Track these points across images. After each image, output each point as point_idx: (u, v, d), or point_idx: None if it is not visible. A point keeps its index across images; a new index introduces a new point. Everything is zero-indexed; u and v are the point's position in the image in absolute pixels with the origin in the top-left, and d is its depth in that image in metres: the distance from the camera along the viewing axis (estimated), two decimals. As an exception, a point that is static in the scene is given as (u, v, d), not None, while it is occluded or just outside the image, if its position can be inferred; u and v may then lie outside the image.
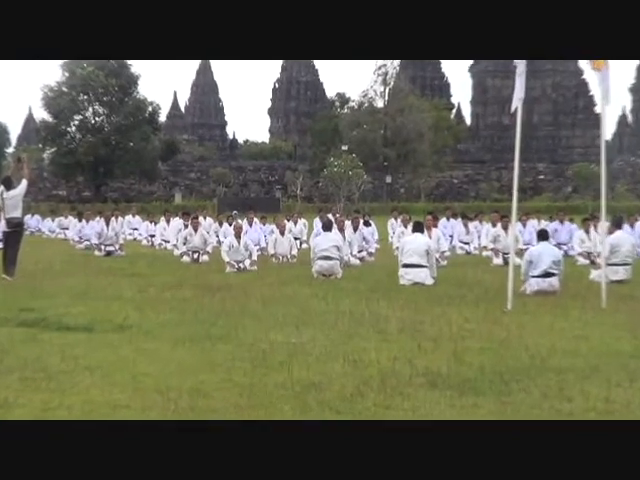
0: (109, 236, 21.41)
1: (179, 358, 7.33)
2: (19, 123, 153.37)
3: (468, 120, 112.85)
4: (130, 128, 74.23)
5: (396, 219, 26.06)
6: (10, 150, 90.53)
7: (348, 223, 20.02)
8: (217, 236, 24.28)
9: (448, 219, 24.34)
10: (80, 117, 76.51)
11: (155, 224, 27.29)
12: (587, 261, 17.91)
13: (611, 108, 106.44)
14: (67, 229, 31.78)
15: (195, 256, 18.89)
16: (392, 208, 33.33)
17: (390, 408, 5.63)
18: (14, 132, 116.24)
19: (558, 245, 19.80)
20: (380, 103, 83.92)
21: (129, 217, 31.27)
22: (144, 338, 8.44)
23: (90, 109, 76.67)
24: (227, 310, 10.49)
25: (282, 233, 18.97)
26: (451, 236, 22.81)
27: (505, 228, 17.60)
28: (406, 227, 21.15)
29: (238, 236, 17.01)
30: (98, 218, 26.86)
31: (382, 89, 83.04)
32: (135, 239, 28.54)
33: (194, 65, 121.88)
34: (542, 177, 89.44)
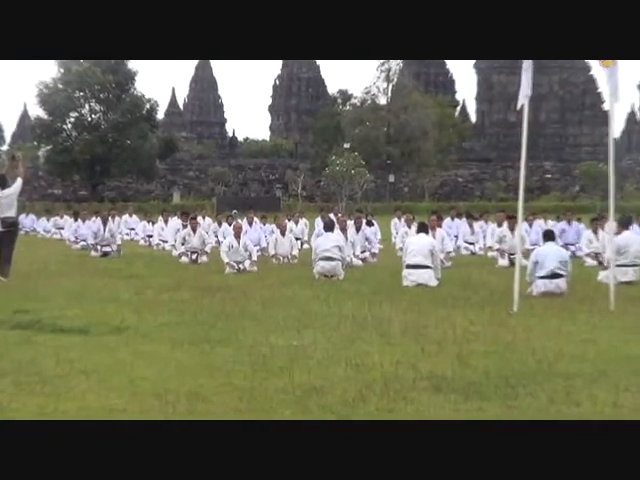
0: (105, 237, 21.38)
1: (177, 361, 7.33)
2: (13, 120, 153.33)
3: (473, 117, 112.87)
4: (127, 125, 74.27)
5: (399, 219, 26.07)
6: (4, 148, 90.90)
7: (350, 223, 20.02)
8: (216, 236, 24.29)
9: (453, 219, 24.37)
10: (76, 114, 76.56)
11: (153, 224, 27.28)
12: (595, 262, 17.89)
13: (620, 105, 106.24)
14: (63, 229, 31.78)
15: (194, 257, 18.89)
16: (395, 208, 33.35)
17: (393, 412, 5.63)
18: (8, 129, 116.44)
19: (565, 246, 19.80)
20: (383, 100, 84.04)
21: (126, 217, 31.25)
22: (141, 341, 8.44)
23: (86, 106, 76.72)
24: (226, 312, 10.49)
25: (283, 233, 18.98)
26: (456, 236, 22.82)
27: (512, 229, 17.59)
28: (410, 227, 21.17)
29: (238, 236, 17.01)
30: (94, 218, 26.89)
31: (385, 86, 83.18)
32: (132, 239, 28.54)
33: (193, 61, 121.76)
34: (549, 176, 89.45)
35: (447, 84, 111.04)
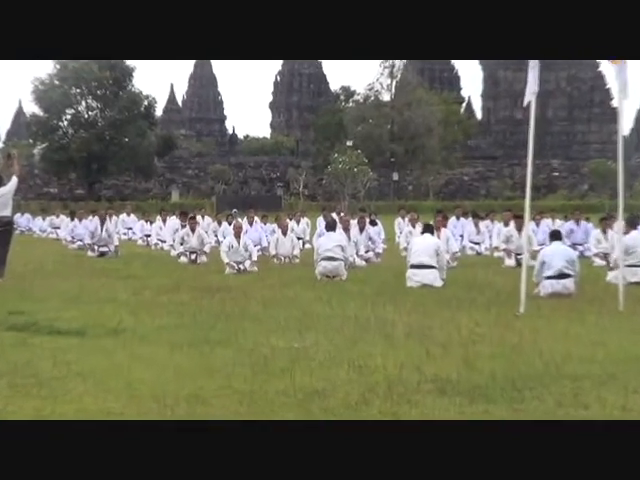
0: (102, 237, 21.37)
1: (176, 364, 7.33)
2: (8, 117, 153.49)
3: (479, 114, 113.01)
4: (125, 123, 74.33)
5: (403, 218, 26.07)
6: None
7: (353, 222, 20.02)
8: (216, 236, 24.32)
9: (458, 218, 24.33)
10: (72, 111, 76.63)
11: (151, 223, 27.29)
12: (604, 262, 17.88)
13: (629, 102, 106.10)
14: (59, 228, 31.81)
15: (193, 257, 18.89)
16: (399, 207, 33.34)
17: (397, 416, 5.63)
18: (3, 127, 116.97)
19: (574, 246, 19.79)
20: (387, 96, 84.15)
21: (123, 216, 31.30)
22: (139, 343, 8.44)
23: (83, 103, 76.81)
24: (226, 313, 10.49)
25: (284, 233, 18.98)
26: (461, 236, 22.81)
27: (519, 229, 17.56)
28: (414, 227, 21.15)
29: (238, 236, 17.00)
30: (91, 217, 26.89)
31: (389, 82, 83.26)
32: (130, 239, 28.56)
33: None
34: (556, 174, 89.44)
35: (452, 80, 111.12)
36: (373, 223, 21.83)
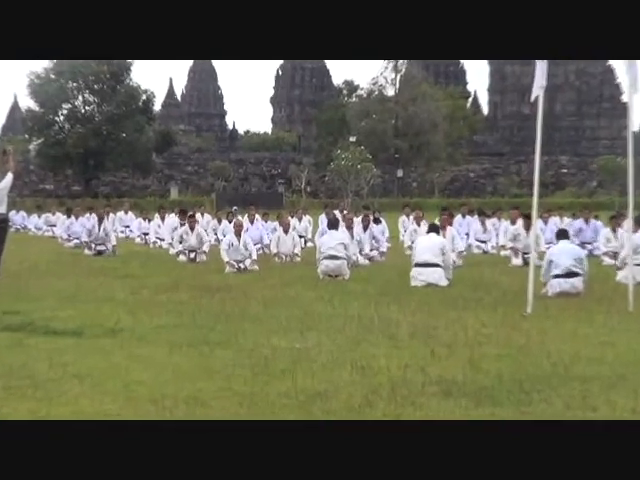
0: (100, 236, 21.35)
1: (175, 365, 7.34)
2: (3, 112, 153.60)
3: (485, 109, 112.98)
4: (122, 118, 74.29)
5: (408, 216, 26.04)
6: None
7: (357, 220, 20.02)
8: (215, 234, 24.32)
9: (464, 216, 24.28)
10: (69, 106, 76.59)
11: (149, 221, 27.26)
12: (613, 261, 17.86)
13: (639, 97, 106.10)
14: (55, 226, 31.81)
15: (192, 255, 18.90)
16: (404, 204, 33.31)
17: (401, 418, 5.63)
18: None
19: (582, 244, 19.78)
20: (391, 91, 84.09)
21: (121, 214, 31.29)
22: (137, 343, 8.45)
23: (80, 97, 76.77)
24: (226, 313, 10.50)
25: (286, 231, 18.98)
26: (467, 234, 22.80)
27: (527, 228, 17.52)
28: (419, 225, 21.13)
29: (238, 234, 17.00)
30: (88, 214, 26.88)
31: (393, 76, 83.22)
32: (127, 237, 28.56)
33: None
34: (565, 171, 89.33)
35: (458, 75, 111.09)
36: (377, 221, 21.82)
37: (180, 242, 19.37)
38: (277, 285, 13.73)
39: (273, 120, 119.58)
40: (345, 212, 25.75)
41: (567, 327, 9.51)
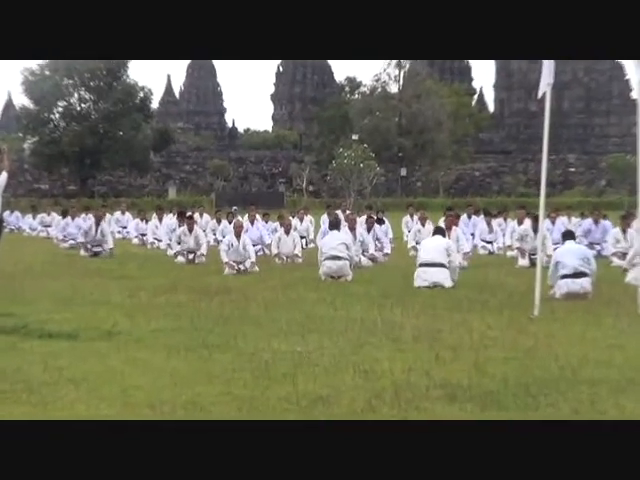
0: (97, 238, 21.30)
1: (173, 369, 7.34)
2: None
3: (491, 107, 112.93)
4: (119, 115, 74.35)
5: (412, 216, 26.03)
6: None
7: (360, 221, 20.01)
8: (214, 234, 24.32)
9: (470, 217, 24.26)
10: (64, 103, 76.67)
11: (146, 222, 27.23)
12: (622, 262, 17.85)
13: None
14: (50, 227, 31.82)
15: (190, 256, 18.90)
16: (407, 204, 33.35)
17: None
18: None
19: (591, 245, 19.77)
20: (394, 88, 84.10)
21: (118, 214, 31.28)
22: (134, 347, 8.45)
23: (75, 95, 76.85)
24: (226, 316, 10.50)
25: (287, 232, 18.97)
26: (472, 234, 22.78)
27: (535, 230, 17.48)
28: (423, 225, 21.17)
29: (238, 235, 17.00)
30: (84, 215, 26.86)
31: (396, 73, 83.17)
32: (124, 238, 28.54)
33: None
34: (573, 169, 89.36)
35: (463, 71, 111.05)
36: (380, 221, 21.81)
37: (178, 243, 19.37)
38: (278, 287, 13.73)
39: (274, 118, 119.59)
40: (348, 212, 25.72)
41: (575, 330, 9.51)
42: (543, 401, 6.20)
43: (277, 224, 22.08)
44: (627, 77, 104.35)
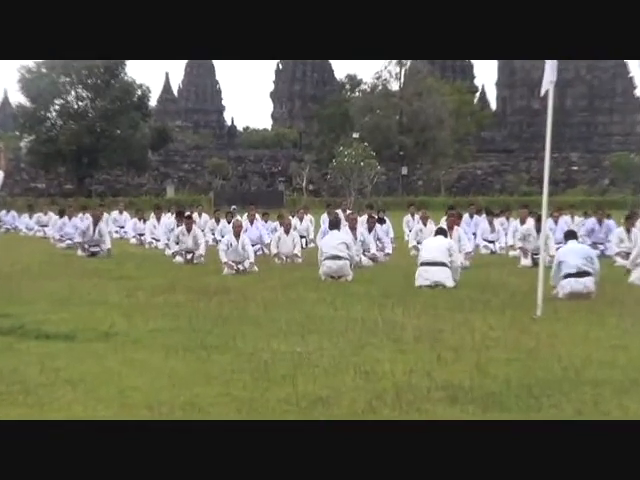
0: (94, 238, 21.27)
1: (171, 370, 7.34)
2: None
3: (493, 105, 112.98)
4: (117, 114, 74.32)
5: (413, 215, 26.02)
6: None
7: (361, 220, 19.98)
8: (213, 234, 24.31)
9: (472, 217, 24.22)
10: (61, 101, 76.68)
11: (144, 222, 27.19)
12: (625, 262, 17.86)
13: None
14: (47, 226, 31.81)
15: (189, 256, 18.89)
16: (409, 203, 33.35)
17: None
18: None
19: (594, 245, 19.76)
20: (395, 86, 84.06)
21: (115, 214, 31.25)
22: (132, 348, 8.45)
23: (72, 92, 76.80)
24: (224, 316, 10.50)
25: (287, 231, 18.96)
26: (474, 234, 22.77)
27: (539, 230, 17.48)
28: (425, 225, 21.15)
29: (237, 235, 16.99)
30: (81, 214, 26.84)
31: (397, 70, 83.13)
32: (122, 238, 28.53)
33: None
34: (576, 168, 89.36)
35: (465, 69, 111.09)
36: (381, 221, 21.79)
37: (176, 243, 19.35)
38: (277, 287, 13.73)
39: (273, 116, 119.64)
40: (349, 212, 25.70)
41: (578, 330, 9.51)
42: (546, 402, 6.20)
43: (277, 224, 22.08)
44: (631, 75, 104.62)
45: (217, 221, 25.64)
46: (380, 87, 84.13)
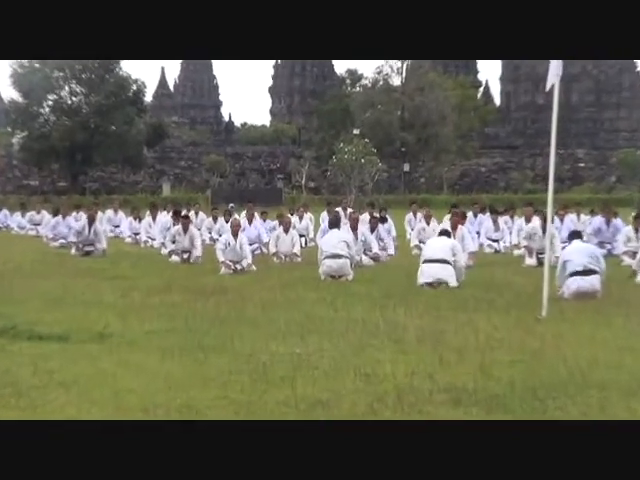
0: (90, 238, 21.25)
1: (167, 372, 7.34)
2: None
3: (497, 100, 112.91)
4: (111, 109, 74.19)
5: (415, 214, 26.01)
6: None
7: (362, 218, 19.95)
8: (210, 233, 24.29)
9: (475, 215, 24.16)
10: (54, 97, 76.49)
11: (139, 221, 27.15)
12: (633, 261, 17.86)
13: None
14: (39, 225, 31.78)
15: (185, 255, 18.88)
16: (411, 201, 33.31)
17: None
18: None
19: (601, 244, 19.74)
20: (397, 80, 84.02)
21: (110, 213, 31.20)
22: (127, 349, 8.46)
23: (66, 88, 76.67)
24: (222, 317, 10.51)
25: (286, 230, 18.95)
26: (478, 232, 22.76)
27: (544, 230, 17.44)
28: (428, 223, 21.13)
29: (235, 234, 16.97)
30: (75, 213, 26.81)
31: (399, 65, 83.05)
32: (117, 236, 28.49)
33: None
34: (582, 165, 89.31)
35: (468, 63, 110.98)
36: (383, 220, 21.73)
37: (173, 242, 19.33)
38: (276, 287, 13.73)
39: (272, 112, 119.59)
40: (349, 209, 25.67)
41: (584, 331, 9.51)
42: (551, 405, 6.20)
43: (276, 223, 22.06)
44: (638, 69, 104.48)
45: (215, 219, 25.59)
46: (381, 82, 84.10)
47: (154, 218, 25.89)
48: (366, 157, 64.06)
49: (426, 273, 13.80)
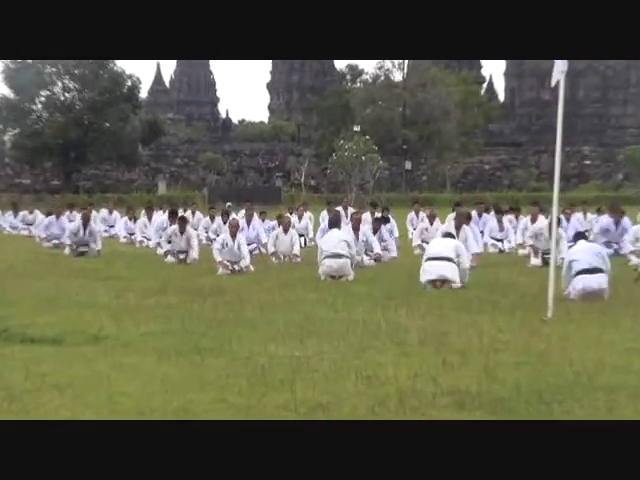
0: (85, 239, 21.23)
1: (163, 375, 7.34)
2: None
3: (501, 96, 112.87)
4: (106, 106, 74.17)
5: (417, 213, 26.01)
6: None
7: (364, 218, 19.92)
8: (207, 232, 24.27)
9: (480, 215, 24.10)
10: (47, 93, 76.48)
11: (135, 221, 27.14)
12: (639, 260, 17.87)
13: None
14: (32, 225, 31.76)
15: (181, 256, 18.88)
16: (413, 200, 33.35)
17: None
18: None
19: (608, 243, 19.74)
20: (398, 76, 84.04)
21: (104, 212, 31.21)
22: (122, 352, 8.45)
23: (59, 83, 76.65)
24: (219, 319, 10.51)
25: (285, 230, 18.94)
26: (482, 232, 22.75)
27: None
28: (432, 223, 21.10)
29: (234, 235, 16.96)
30: (69, 212, 26.80)
31: (400, 60, 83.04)
32: (112, 236, 28.49)
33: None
34: (588, 162, 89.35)
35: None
36: (385, 220, 21.66)
37: (169, 242, 19.32)
38: (275, 287, 13.73)
39: (270, 108, 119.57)
40: (352, 210, 25.62)
41: (591, 332, 9.51)
42: (557, 408, 6.20)
43: (275, 223, 22.05)
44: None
45: (212, 219, 25.54)
46: (382, 78, 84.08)
47: (149, 218, 25.88)
48: (367, 154, 64.03)
49: (429, 271, 13.78)
